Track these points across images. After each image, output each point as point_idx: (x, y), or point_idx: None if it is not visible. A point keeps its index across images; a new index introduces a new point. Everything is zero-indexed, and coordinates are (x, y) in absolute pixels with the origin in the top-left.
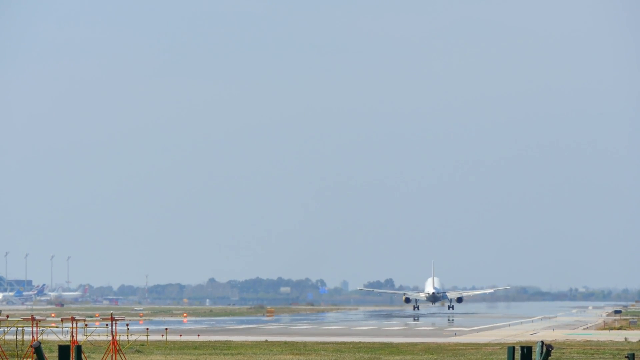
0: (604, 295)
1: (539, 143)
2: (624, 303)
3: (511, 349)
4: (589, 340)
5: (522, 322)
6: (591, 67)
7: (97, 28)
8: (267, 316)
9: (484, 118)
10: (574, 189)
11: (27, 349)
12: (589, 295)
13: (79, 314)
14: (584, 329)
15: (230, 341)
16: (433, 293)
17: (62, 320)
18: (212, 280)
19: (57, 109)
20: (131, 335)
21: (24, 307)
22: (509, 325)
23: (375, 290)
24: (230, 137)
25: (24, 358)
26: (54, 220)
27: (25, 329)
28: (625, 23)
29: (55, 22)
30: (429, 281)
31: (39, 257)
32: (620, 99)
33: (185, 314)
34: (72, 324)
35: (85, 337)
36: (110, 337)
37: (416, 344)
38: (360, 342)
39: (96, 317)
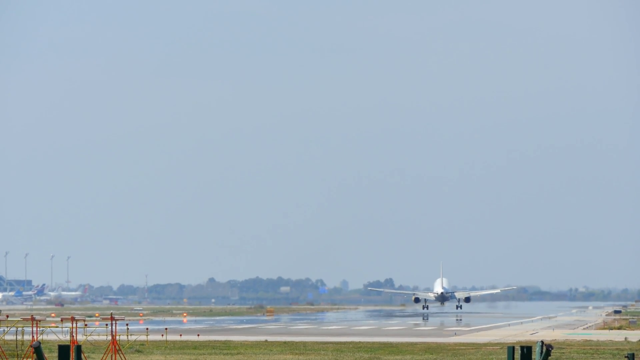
0: (604, 295)
1: (539, 143)
2: (623, 303)
3: (511, 349)
4: (589, 340)
5: (522, 322)
6: (591, 67)
7: (97, 28)
8: (267, 316)
9: (484, 118)
10: (574, 189)
11: (27, 348)
12: (589, 295)
13: (78, 314)
14: (584, 328)
15: (230, 341)
16: (442, 293)
17: (61, 320)
18: (212, 280)
19: (57, 109)
20: (131, 335)
21: (23, 307)
22: (509, 325)
23: (385, 290)
24: (230, 137)
25: (23, 358)
26: (54, 220)
27: (25, 328)
28: (625, 23)
29: (55, 22)
30: (438, 281)
31: (39, 257)
32: (620, 99)
33: (185, 314)
34: (72, 323)
35: (85, 337)
36: (110, 337)
37: (416, 343)
38: (360, 341)
39: (96, 317)
